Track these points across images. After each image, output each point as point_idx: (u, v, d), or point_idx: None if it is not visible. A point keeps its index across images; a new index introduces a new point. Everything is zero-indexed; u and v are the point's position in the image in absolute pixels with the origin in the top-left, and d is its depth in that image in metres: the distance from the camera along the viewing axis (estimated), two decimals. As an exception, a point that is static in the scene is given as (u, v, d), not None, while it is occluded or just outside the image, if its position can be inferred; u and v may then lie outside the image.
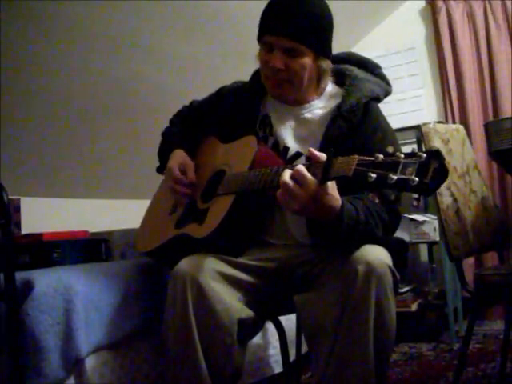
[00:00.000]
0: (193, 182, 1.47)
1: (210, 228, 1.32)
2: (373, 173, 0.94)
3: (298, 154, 1.41)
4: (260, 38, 1.38)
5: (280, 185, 1.10)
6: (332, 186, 1.11)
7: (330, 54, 1.41)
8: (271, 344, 2.03)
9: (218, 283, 1.25)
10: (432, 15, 3.37)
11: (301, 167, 1.09)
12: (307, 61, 1.34)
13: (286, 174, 1.10)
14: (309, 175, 1.07)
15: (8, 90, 2.07)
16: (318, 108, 1.44)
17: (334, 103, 1.42)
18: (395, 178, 0.92)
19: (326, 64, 1.40)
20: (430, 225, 2.77)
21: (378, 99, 1.44)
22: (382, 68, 1.51)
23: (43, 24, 2.00)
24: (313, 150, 1.12)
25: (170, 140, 1.63)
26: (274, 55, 1.33)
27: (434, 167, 0.90)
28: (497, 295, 1.73)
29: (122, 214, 2.75)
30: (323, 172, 1.05)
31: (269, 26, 1.34)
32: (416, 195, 0.95)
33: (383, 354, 1.16)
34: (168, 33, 2.43)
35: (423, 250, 3.26)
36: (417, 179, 0.90)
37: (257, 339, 1.98)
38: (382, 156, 0.96)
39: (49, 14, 1.98)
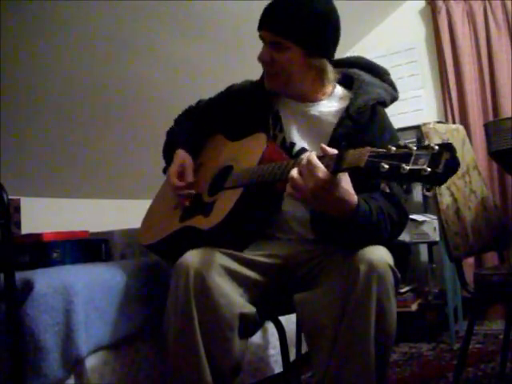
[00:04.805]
0: (191, 183, 1.47)
1: (216, 220, 1.31)
2: (385, 164, 0.94)
3: (303, 150, 1.42)
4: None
5: (289, 177, 1.10)
6: (346, 179, 1.11)
7: (326, 53, 1.41)
8: (271, 344, 2.03)
9: (222, 277, 1.25)
10: (432, 15, 3.37)
11: (313, 155, 1.09)
12: (293, 56, 1.37)
13: (304, 160, 1.10)
14: (320, 164, 1.08)
15: (8, 90, 2.07)
16: (327, 107, 1.45)
17: (342, 105, 1.43)
18: (408, 168, 0.92)
19: (322, 63, 1.40)
20: (429, 225, 2.76)
21: (385, 104, 1.45)
22: (390, 74, 1.53)
23: (43, 25, 2.00)
24: (325, 146, 1.12)
25: (174, 139, 1.63)
26: (263, 49, 1.39)
27: (445, 158, 0.91)
28: (497, 295, 1.72)
29: (121, 214, 2.75)
30: (335, 163, 1.05)
31: (260, 21, 1.40)
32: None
33: (383, 353, 1.16)
34: (168, 33, 2.43)
35: (423, 250, 3.25)
36: (429, 169, 0.90)
37: (257, 339, 1.98)
38: (394, 148, 0.96)
39: (48, 15, 1.98)
